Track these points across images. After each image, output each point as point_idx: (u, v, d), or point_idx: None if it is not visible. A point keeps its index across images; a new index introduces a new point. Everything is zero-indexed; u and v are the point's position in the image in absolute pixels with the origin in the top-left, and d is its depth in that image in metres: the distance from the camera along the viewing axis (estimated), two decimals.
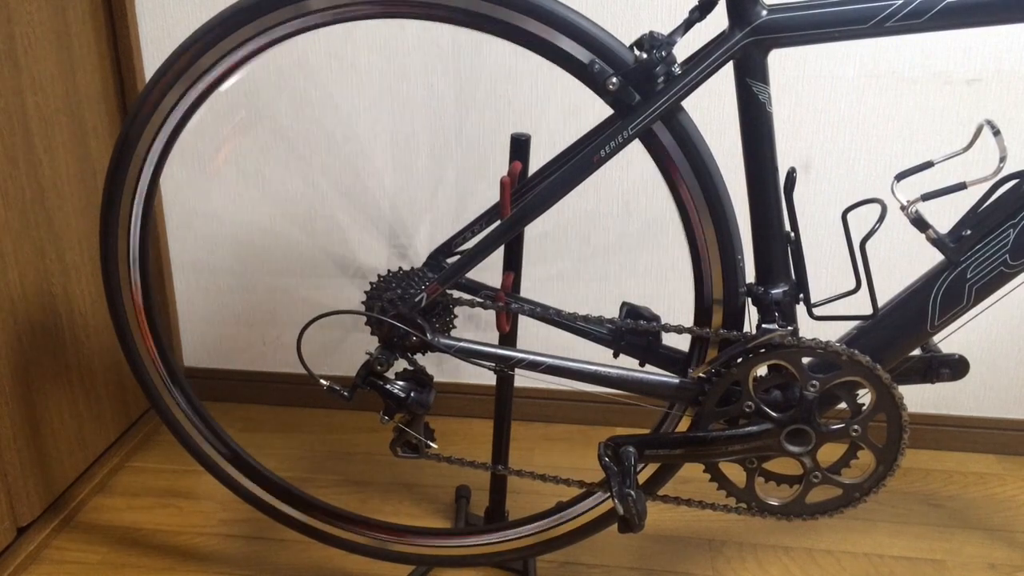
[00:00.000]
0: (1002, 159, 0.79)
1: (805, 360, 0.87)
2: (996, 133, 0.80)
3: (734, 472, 0.92)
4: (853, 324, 0.90)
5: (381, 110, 1.38)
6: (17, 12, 1.11)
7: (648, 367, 0.94)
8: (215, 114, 1.42)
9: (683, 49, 0.81)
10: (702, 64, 0.80)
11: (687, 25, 0.82)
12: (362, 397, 0.91)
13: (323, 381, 0.91)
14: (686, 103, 0.82)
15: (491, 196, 0.99)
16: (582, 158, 0.84)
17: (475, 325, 1.41)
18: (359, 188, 1.43)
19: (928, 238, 0.83)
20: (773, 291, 0.87)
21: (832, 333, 0.88)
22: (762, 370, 0.88)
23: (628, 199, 1.40)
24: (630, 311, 0.93)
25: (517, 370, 0.91)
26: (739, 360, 0.87)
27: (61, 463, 1.27)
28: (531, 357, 0.90)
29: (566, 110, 1.34)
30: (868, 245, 0.82)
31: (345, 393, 0.91)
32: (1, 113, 1.09)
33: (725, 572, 1.18)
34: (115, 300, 0.97)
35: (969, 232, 0.82)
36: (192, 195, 1.47)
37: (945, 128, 1.31)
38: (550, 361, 0.90)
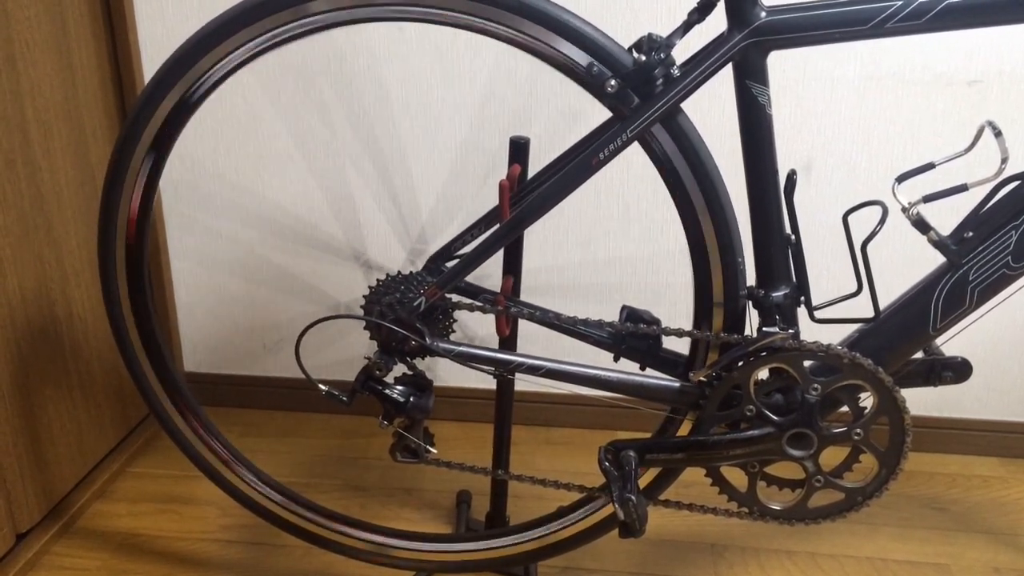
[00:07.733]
0: (1004, 160, 0.79)
1: (806, 363, 0.86)
2: (998, 134, 0.80)
3: (736, 476, 0.92)
4: (855, 327, 0.89)
5: (380, 114, 1.38)
6: (15, 17, 1.11)
7: (649, 371, 0.93)
8: (215, 118, 1.42)
9: (682, 51, 0.81)
10: (701, 66, 0.80)
11: (686, 27, 0.82)
12: (362, 402, 0.91)
13: (322, 386, 0.91)
14: (685, 105, 0.82)
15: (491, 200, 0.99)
16: (581, 161, 0.83)
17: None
18: (356, 193, 1.43)
19: (930, 240, 0.82)
20: (774, 294, 0.86)
21: (834, 336, 0.87)
22: (763, 373, 0.87)
23: (628, 201, 1.39)
24: (630, 314, 0.93)
25: (517, 374, 0.91)
26: (740, 363, 0.87)
27: (60, 469, 1.27)
28: (531, 361, 0.89)
29: (564, 112, 1.34)
30: (869, 247, 0.82)
31: (344, 398, 0.91)
32: None
33: None
34: (113, 305, 0.97)
35: (971, 234, 0.82)
36: (192, 199, 1.47)
37: (946, 130, 1.30)
38: (550, 365, 0.89)
